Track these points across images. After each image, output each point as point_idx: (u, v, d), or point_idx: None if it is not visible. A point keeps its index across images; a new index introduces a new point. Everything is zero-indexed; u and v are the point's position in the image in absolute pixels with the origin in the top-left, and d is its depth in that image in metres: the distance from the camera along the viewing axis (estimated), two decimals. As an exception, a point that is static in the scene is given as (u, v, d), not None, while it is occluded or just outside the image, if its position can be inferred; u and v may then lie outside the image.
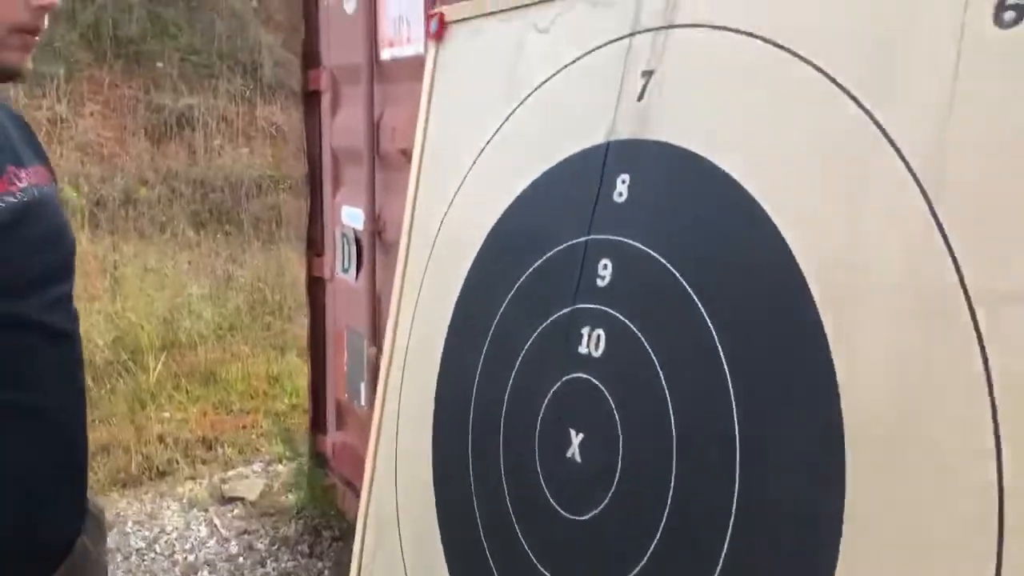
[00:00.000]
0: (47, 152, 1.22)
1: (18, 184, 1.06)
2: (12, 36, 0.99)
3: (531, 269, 1.17)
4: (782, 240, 0.84)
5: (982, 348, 0.67)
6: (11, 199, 1.04)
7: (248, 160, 8.66)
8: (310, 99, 2.70)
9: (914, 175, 0.74)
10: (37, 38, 1.02)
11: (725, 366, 0.88)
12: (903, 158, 0.75)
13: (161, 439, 3.94)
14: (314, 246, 2.80)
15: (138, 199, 7.70)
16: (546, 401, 1.11)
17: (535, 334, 1.14)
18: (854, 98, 0.80)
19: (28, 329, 1.04)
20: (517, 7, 1.27)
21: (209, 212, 7.93)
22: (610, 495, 0.98)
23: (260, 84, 9.33)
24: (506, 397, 1.17)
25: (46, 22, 1.02)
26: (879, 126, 0.77)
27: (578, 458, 1.05)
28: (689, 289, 0.94)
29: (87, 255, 5.78)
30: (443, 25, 1.42)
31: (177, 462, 3.78)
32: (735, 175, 0.90)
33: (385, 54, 2.21)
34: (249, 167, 8.53)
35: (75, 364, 1.15)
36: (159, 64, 8.90)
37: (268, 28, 9.66)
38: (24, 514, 1.05)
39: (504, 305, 1.20)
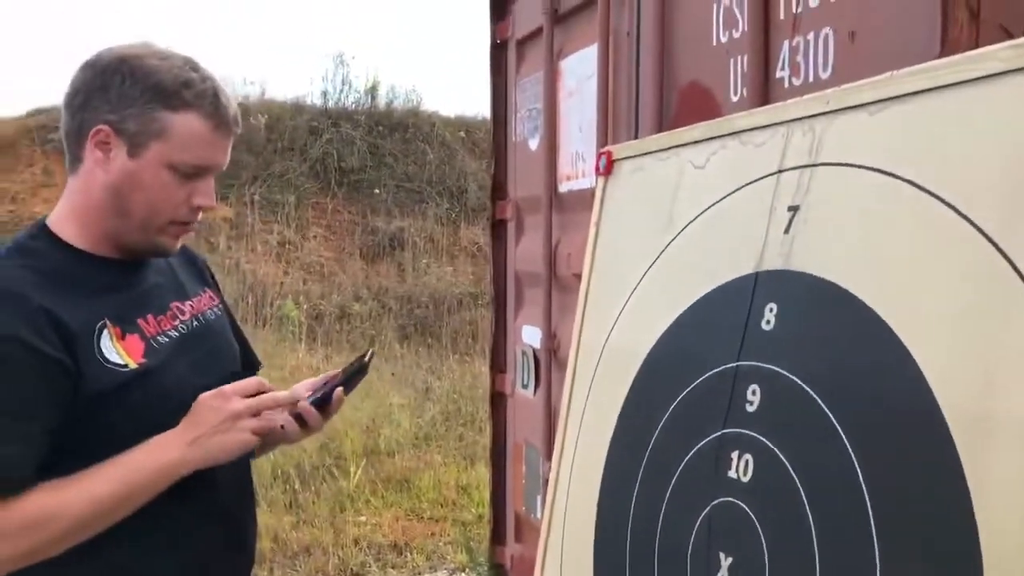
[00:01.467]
0: (212, 276, 1.41)
1: (181, 318, 1.25)
2: (171, 226, 1.19)
3: (685, 391, 1.21)
4: (921, 376, 0.85)
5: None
6: (174, 333, 1.22)
7: (451, 278, 9.17)
8: (498, 227, 2.91)
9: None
10: (189, 226, 1.21)
11: (867, 497, 0.88)
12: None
13: (356, 542, 4.16)
14: (497, 363, 2.94)
15: (352, 314, 8.33)
16: (697, 524, 1.13)
17: (688, 456, 1.17)
18: (992, 241, 0.81)
19: None
20: (675, 146, 1.36)
21: (414, 326, 8.43)
22: (755, 621, 0.99)
23: (465, 207, 9.94)
24: (660, 517, 1.20)
25: (200, 217, 1.21)
26: (1016, 269, 0.78)
27: (727, 583, 1.06)
28: (833, 419, 0.95)
29: (303, 366, 6.30)
30: (611, 162, 1.54)
31: (370, 565, 3.96)
32: (877, 309, 0.92)
33: (563, 187, 2.37)
34: (452, 284, 9.03)
35: (244, 465, 1.31)
36: (376, 191, 9.74)
37: (473, 156, 10.33)
38: None
39: (659, 426, 1.25)
